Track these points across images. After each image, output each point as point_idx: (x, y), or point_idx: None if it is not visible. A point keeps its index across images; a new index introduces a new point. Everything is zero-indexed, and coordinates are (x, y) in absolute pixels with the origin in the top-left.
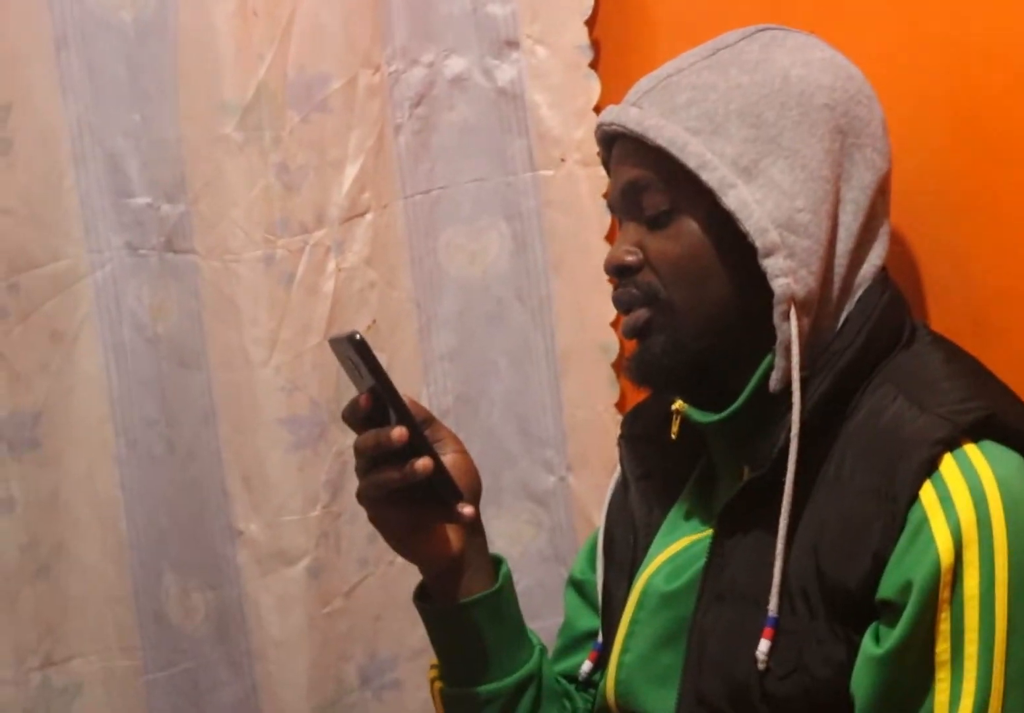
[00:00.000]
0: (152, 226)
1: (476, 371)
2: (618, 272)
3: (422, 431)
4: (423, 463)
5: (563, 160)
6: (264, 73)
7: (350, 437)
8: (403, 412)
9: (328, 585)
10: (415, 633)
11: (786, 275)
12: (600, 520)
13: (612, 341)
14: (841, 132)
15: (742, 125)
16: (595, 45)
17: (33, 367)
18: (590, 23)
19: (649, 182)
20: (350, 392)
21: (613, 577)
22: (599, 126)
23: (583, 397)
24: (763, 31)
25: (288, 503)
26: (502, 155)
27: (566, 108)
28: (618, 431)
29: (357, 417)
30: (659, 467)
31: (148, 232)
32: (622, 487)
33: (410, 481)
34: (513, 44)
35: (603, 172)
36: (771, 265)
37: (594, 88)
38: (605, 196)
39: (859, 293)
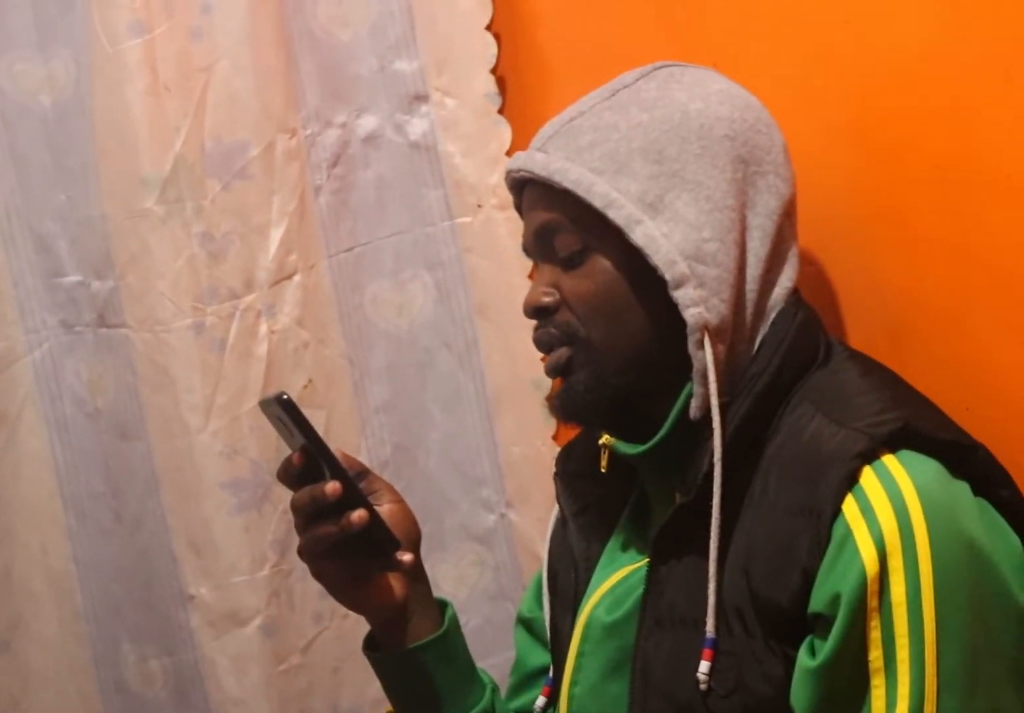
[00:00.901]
0: (84, 303)
1: (411, 420)
2: (536, 313)
3: (355, 484)
4: (358, 515)
5: (480, 206)
6: (180, 145)
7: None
8: (335, 467)
9: (283, 642)
10: (375, 683)
11: (697, 305)
12: (543, 557)
13: (544, 377)
14: (743, 161)
15: (645, 162)
16: (501, 92)
17: None
18: (496, 71)
19: (559, 224)
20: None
21: (559, 612)
22: (508, 173)
23: (519, 434)
24: (660, 69)
25: (237, 564)
26: (419, 207)
27: (479, 155)
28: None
29: (291, 475)
30: (594, 501)
31: (81, 309)
32: (561, 523)
33: (347, 533)
34: (422, 98)
35: None
36: (682, 296)
37: (505, 134)
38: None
39: (772, 316)
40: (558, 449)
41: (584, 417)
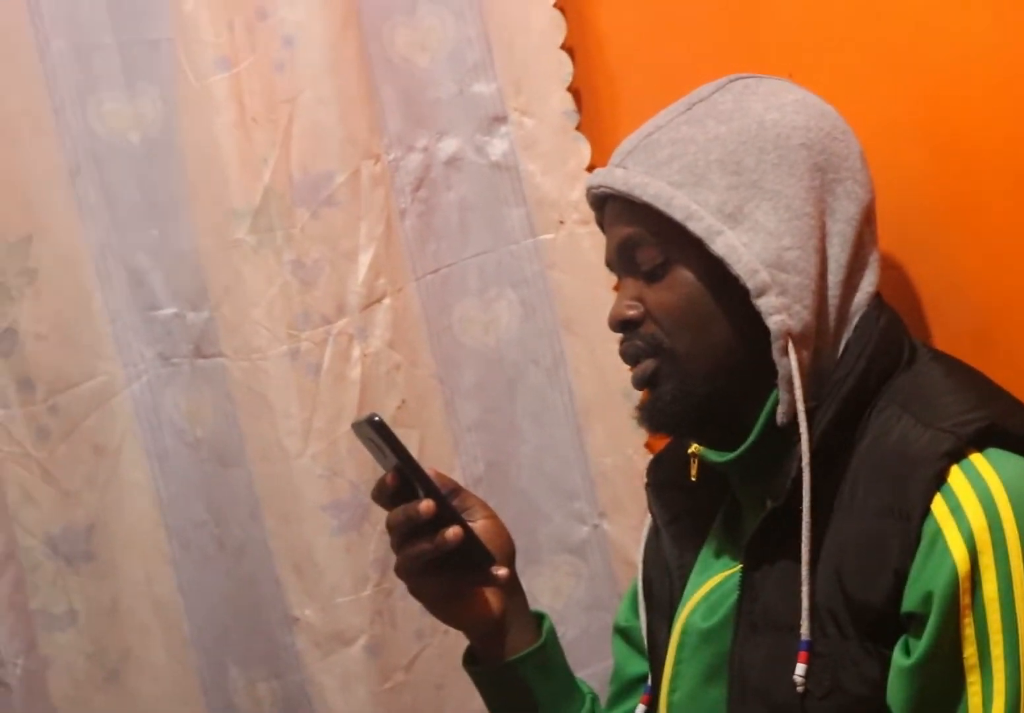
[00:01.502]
0: (180, 335)
1: (502, 436)
2: (621, 327)
3: (448, 502)
4: (453, 531)
5: (562, 222)
6: (269, 177)
7: None
8: (428, 485)
9: (387, 660)
10: (477, 699)
11: (779, 312)
12: (638, 566)
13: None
14: (820, 169)
15: (723, 174)
16: (578, 109)
17: (80, 482)
18: (572, 89)
19: (641, 238)
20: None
21: (655, 621)
22: (588, 189)
23: (610, 444)
24: (735, 81)
25: (340, 585)
26: (502, 226)
27: (559, 172)
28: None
29: (385, 495)
30: (685, 510)
31: (177, 341)
32: (654, 532)
33: (442, 550)
34: (501, 119)
35: None
36: (764, 304)
37: (584, 150)
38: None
39: (855, 320)
40: (650, 457)
41: (672, 427)
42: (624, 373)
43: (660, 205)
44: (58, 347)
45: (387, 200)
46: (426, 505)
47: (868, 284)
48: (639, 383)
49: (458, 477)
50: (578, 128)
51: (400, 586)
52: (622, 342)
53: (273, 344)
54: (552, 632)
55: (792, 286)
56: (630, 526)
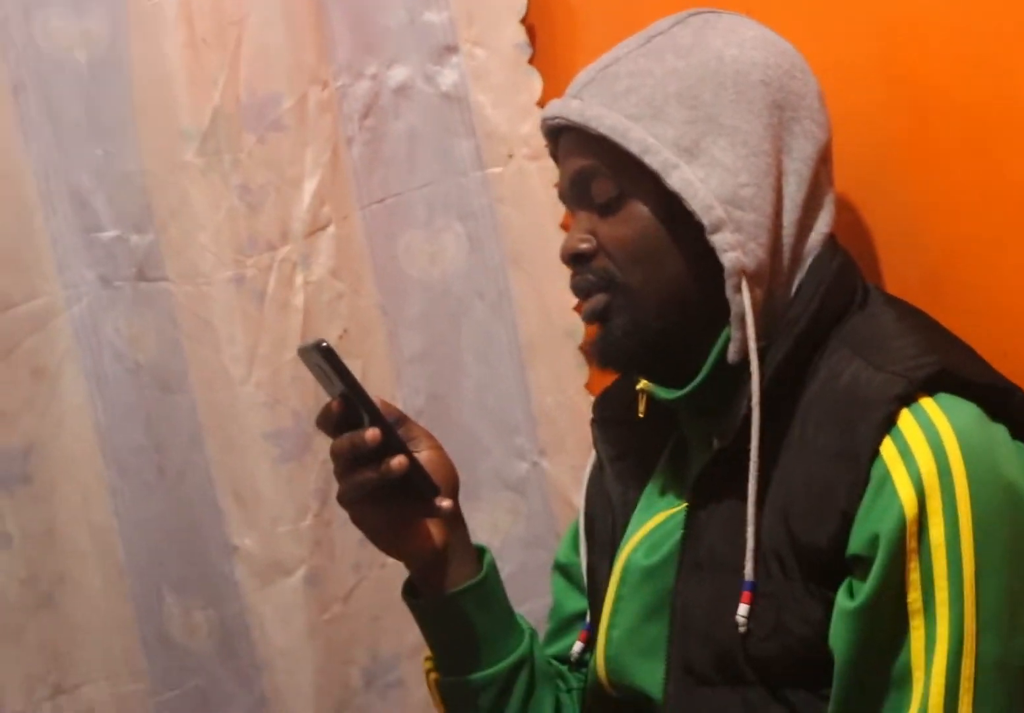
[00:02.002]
0: (123, 258)
1: (444, 370)
2: (574, 260)
3: (395, 431)
4: (398, 461)
5: (511, 156)
6: (218, 98)
7: None
8: (375, 414)
9: (326, 592)
10: (413, 631)
11: (734, 249)
12: (580, 504)
13: (577, 325)
14: (778, 107)
15: (681, 107)
16: (532, 42)
17: (18, 404)
18: (526, 21)
19: (596, 170)
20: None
21: (596, 558)
22: (543, 120)
23: (552, 383)
24: (695, 15)
25: (281, 515)
26: (450, 157)
27: (510, 106)
28: (590, 411)
29: (330, 422)
30: (631, 447)
31: (120, 264)
32: (598, 470)
33: (387, 479)
34: (452, 49)
35: (553, 163)
36: (719, 240)
37: (535, 83)
38: (557, 185)
39: (809, 261)
40: (591, 398)
41: (622, 362)
42: (569, 312)
43: (616, 137)
44: None
45: (334, 127)
46: (372, 433)
47: (823, 225)
48: (590, 317)
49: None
50: (531, 61)
51: (340, 517)
52: (573, 276)
53: (219, 269)
54: (493, 566)
55: (747, 223)
56: (569, 465)
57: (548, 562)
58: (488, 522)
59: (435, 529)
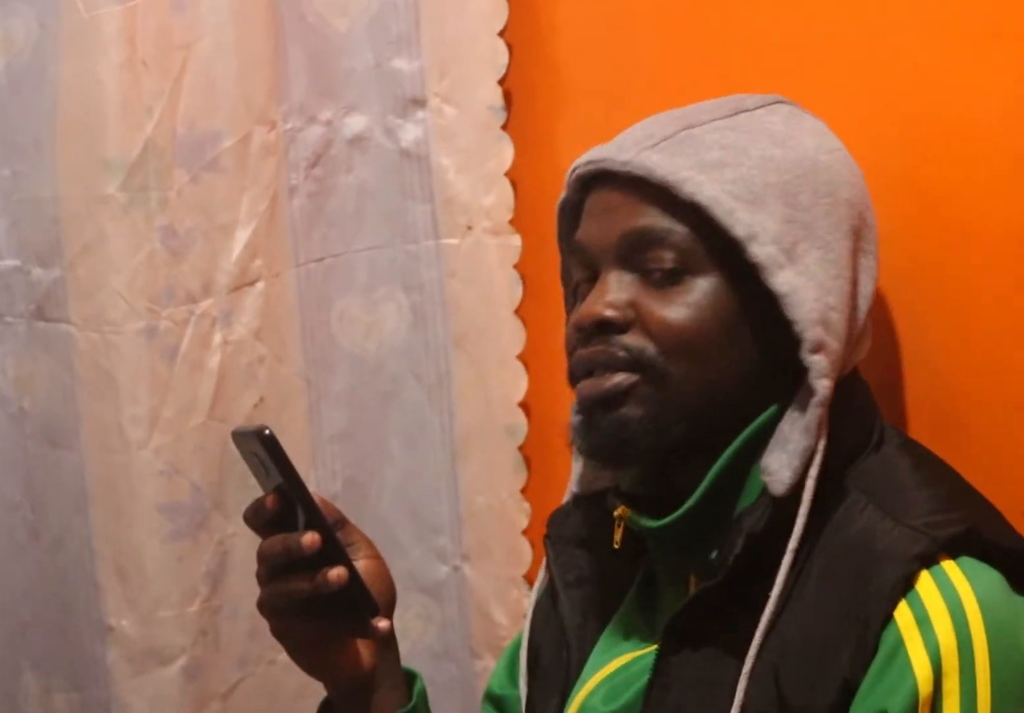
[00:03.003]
0: (20, 291)
1: (367, 453)
2: (597, 329)
3: (335, 536)
4: (337, 573)
5: (470, 228)
6: (152, 129)
7: (232, 525)
8: (314, 514)
9: (205, 687)
10: None
11: (827, 376)
12: (524, 629)
13: (520, 422)
14: (856, 233)
15: (779, 203)
16: (507, 106)
17: None
18: (504, 83)
19: (664, 235)
20: (235, 477)
21: (539, 694)
22: (591, 163)
23: (485, 482)
24: (779, 103)
25: (165, 597)
26: (403, 221)
27: (475, 172)
28: (523, 519)
29: (261, 519)
30: (593, 574)
31: (16, 298)
32: (547, 595)
33: (322, 592)
34: (419, 102)
35: (514, 241)
36: (816, 363)
37: (506, 151)
38: (516, 268)
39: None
40: (525, 504)
41: (628, 463)
42: (513, 407)
43: (719, 213)
44: None
45: (277, 173)
46: (310, 538)
47: (857, 358)
48: (600, 396)
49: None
50: (504, 127)
51: (228, 604)
52: (586, 345)
53: (130, 318)
54: (423, 695)
55: (832, 352)
56: (493, 574)
57: (457, 678)
58: (396, 626)
59: (365, 650)
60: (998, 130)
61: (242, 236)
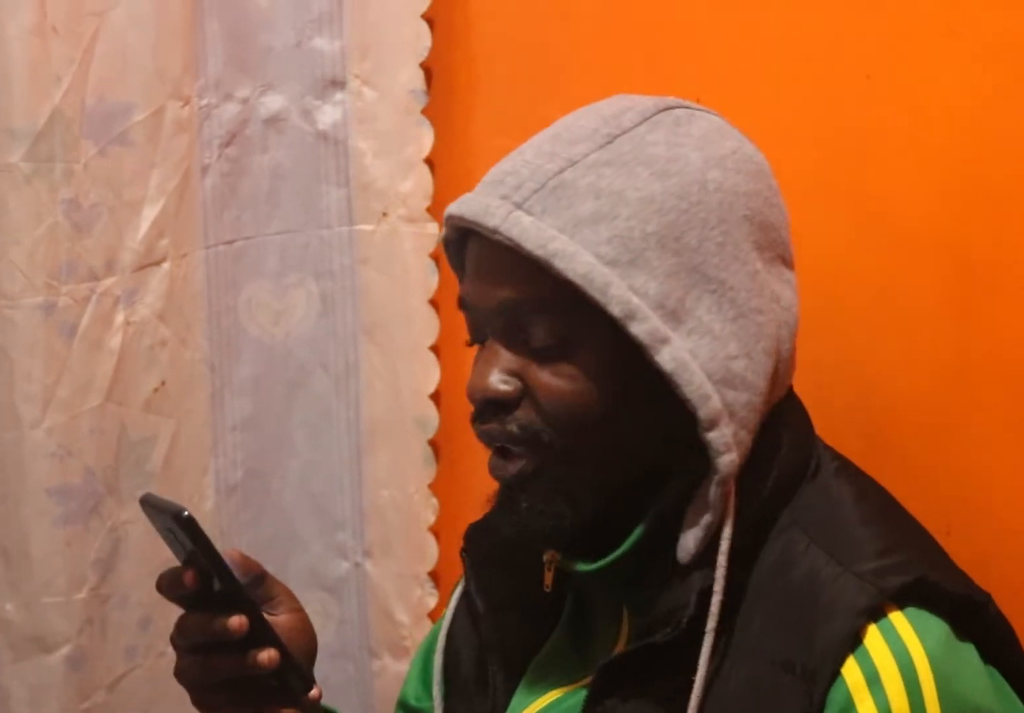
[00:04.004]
0: None
1: (271, 443)
2: (489, 406)
3: (260, 613)
4: (268, 656)
5: (385, 215)
6: (60, 98)
7: (126, 511)
8: (237, 593)
9: (89, 676)
10: None
11: (730, 450)
12: (440, 635)
13: (430, 415)
14: (759, 247)
15: (663, 253)
16: (428, 89)
17: None
18: (425, 66)
19: (537, 307)
20: (130, 463)
21: (454, 704)
22: (456, 219)
23: (391, 476)
24: (662, 111)
25: (51, 583)
26: (316, 205)
27: (393, 157)
28: (431, 514)
29: (179, 595)
30: (518, 600)
31: None
32: (465, 602)
33: (249, 674)
34: (338, 83)
35: (431, 229)
36: (716, 439)
37: (426, 137)
38: (432, 256)
39: (767, 417)
40: (434, 500)
41: (550, 542)
42: (422, 399)
43: (592, 291)
44: None
45: (189, 151)
46: (238, 622)
47: (786, 376)
48: (512, 482)
49: (211, 481)
50: (424, 111)
51: (118, 593)
52: (482, 420)
53: (27, 292)
54: None
55: (739, 407)
56: (395, 572)
57: (355, 678)
58: None
59: None
60: (928, 135)
61: (149, 213)
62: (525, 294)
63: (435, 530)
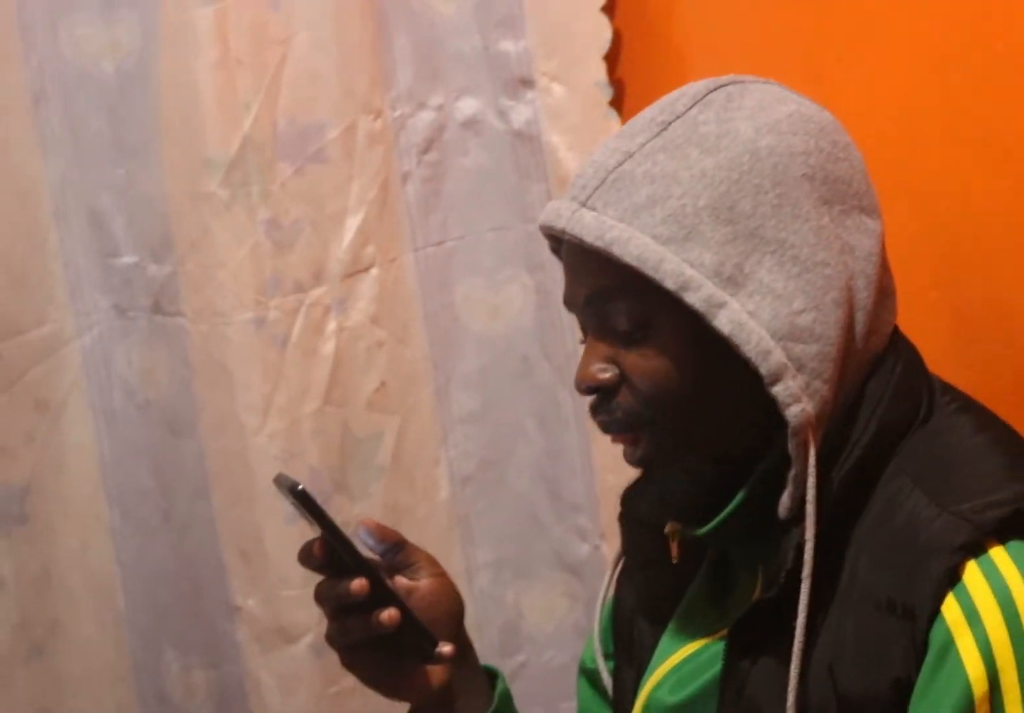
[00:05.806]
0: (140, 286)
1: (501, 433)
2: (592, 393)
3: (383, 578)
4: (388, 615)
5: None
6: (250, 125)
7: (357, 506)
8: (358, 560)
9: (335, 662)
10: None
11: (798, 400)
12: (607, 602)
13: None
14: (826, 203)
15: (716, 224)
16: (617, 82)
17: (18, 439)
18: (610, 58)
19: (615, 293)
20: (357, 460)
21: (625, 669)
22: (542, 224)
23: (615, 461)
24: (715, 91)
25: (287, 577)
26: (522, 201)
27: (585, 150)
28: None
29: (314, 565)
30: (663, 556)
31: (136, 293)
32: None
33: (376, 633)
34: (528, 83)
35: None
36: (781, 392)
37: (615, 128)
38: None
39: (869, 365)
40: None
41: (685, 516)
42: None
43: (647, 270)
44: (6, 287)
45: (386, 161)
46: (358, 585)
47: (886, 323)
48: (640, 466)
49: (444, 473)
50: (612, 103)
51: None
52: (593, 410)
53: (238, 309)
54: (505, 696)
55: (809, 359)
56: None
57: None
58: (542, 605)
59: (436, 669)
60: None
61: (352, 223)
62: (600, 285)
63: None
